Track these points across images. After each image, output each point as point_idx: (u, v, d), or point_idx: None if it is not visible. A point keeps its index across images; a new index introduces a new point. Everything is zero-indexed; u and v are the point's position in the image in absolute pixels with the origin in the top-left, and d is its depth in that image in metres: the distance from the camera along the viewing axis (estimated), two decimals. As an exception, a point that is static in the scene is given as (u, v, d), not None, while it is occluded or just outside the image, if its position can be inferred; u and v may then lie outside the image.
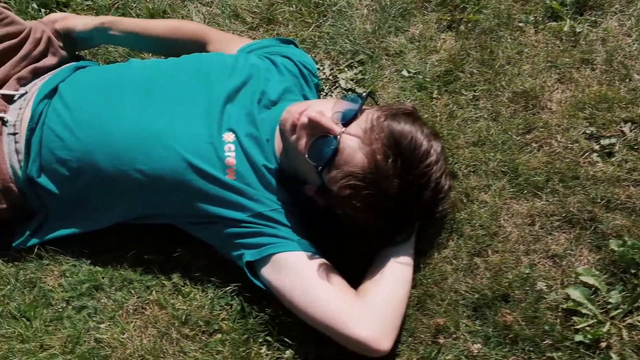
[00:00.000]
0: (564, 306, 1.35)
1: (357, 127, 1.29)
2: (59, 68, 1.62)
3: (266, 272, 1.35)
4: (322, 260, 1.35)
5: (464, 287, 1.41)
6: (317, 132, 1.30)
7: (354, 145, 1.27)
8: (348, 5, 1.83)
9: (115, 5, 1.97)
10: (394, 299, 1.32)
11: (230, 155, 1.39)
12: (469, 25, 1.74)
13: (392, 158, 1.23)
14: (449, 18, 1.77)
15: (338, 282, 1.33)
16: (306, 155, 1.30)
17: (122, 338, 1.41)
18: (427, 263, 1.44)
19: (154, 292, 1.47)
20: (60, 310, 1.46)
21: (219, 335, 1.40)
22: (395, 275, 1.34)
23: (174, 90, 1.47)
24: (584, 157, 1.54)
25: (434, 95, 1.66)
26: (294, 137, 1.34)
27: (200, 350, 1.39)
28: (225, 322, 1.41)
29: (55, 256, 1.51)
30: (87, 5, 1.99)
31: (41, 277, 1.50)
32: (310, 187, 1.39)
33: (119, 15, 1.94)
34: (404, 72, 1.71)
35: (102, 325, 1.43)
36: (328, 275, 1.32)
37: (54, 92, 1.51)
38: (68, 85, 1.51)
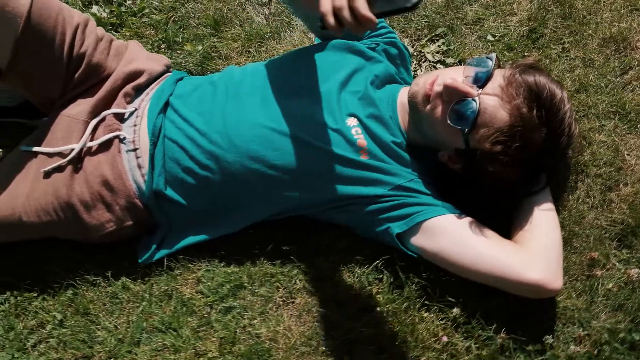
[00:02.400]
0: None
1: (493, 86, 1.34)
2: (158, 82, 1.62)
3: (418, 240, 1.38)
4: (471, 218, 1.39)
5: (604, 222, 1.47)
6: (454, 98, 1.34)
7: (494, 103, 1.32)
8: (414, -17, 1.88)
9: (172, 18, 1.98)
10: (552, 242, 1.36)
11: (360, 137, 1.42)
12: (539, -16, 1.82)
13: (536, 109, 1.29)
14: (517, -19, 1.84)
15: (493, 235, 1.36)
16: (448, 121, 1.35)
17: (280, 329, 1.41)
18: (563, 207, 1.51)
19: (298, 281, 1.47)
20: (205, 315, 1.45)
21: (379, 309, 1.42)
22: (545, 221, 1.39)
23: (288, 88, 1.48)
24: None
25: (525, 54, 1.72)
26: (428, 107, 1.38)
27: (365, 326, 1.40)
28: (380, 295, 1.43)
29: (187, 265, 1.50)
30: (142, 22, 2.00)
31: (177, 288, 1.49)
32: (444, 153, 1.43)
33: (177, 29, 1.96)
34: (489, 37, 1.76)
35: (255, 322, 1.43)
36: (482, 231, 1.36)
37: (165, 105, 1.51)
38: (178, 98, 1.52)
